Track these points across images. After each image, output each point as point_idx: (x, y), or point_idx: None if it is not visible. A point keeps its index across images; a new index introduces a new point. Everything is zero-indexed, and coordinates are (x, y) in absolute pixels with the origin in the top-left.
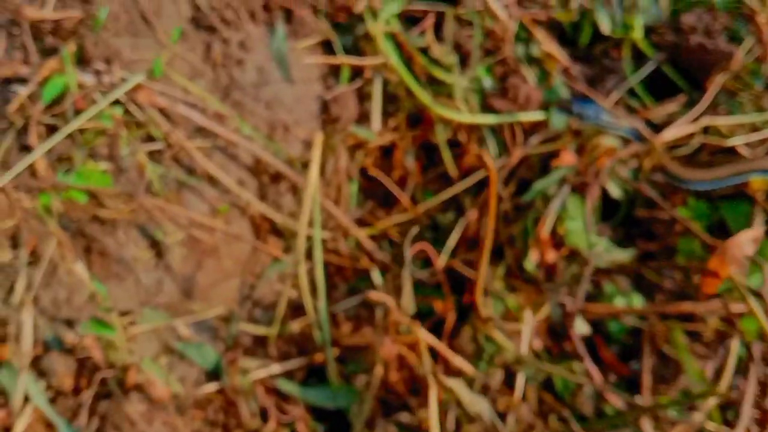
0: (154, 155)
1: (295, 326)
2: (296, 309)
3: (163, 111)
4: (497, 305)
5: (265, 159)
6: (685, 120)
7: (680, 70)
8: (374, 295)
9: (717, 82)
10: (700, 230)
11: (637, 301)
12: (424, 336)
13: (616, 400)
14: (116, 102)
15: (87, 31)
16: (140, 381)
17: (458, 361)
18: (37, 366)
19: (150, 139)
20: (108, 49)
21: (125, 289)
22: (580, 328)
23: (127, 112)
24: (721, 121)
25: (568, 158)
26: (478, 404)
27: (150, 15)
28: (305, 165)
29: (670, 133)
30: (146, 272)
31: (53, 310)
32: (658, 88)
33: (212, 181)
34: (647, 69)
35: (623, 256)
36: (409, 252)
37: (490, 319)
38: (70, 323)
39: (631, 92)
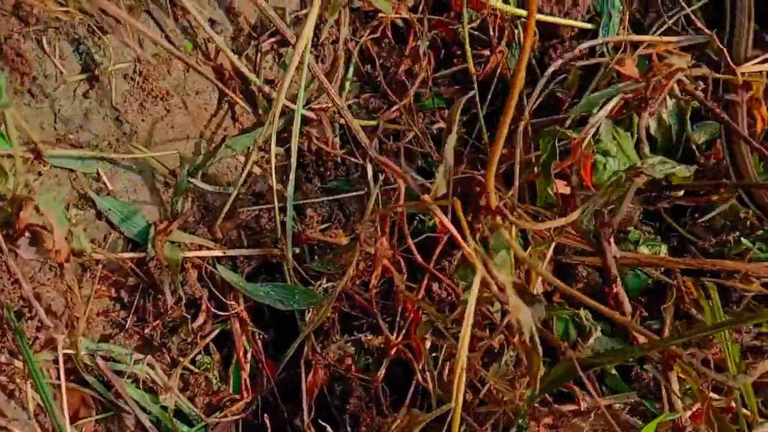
0: None
1: (249, 213)
2: (254, 195)
3: None
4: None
5: None
6: None
7: None
8: None
9: None
10: None
11: (665, 253)
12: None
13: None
14: None
15: None
16: (35, 225)
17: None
18: None
19: None
20: None
21: (38, 114)
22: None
23: None
24: None
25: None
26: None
27: None
28: (298, 21)
29: None
30: (69, 99)
31: None
32: None
33: (176, 9)
34: None
35: (684, 171)
36: None
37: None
38: None
39: None
